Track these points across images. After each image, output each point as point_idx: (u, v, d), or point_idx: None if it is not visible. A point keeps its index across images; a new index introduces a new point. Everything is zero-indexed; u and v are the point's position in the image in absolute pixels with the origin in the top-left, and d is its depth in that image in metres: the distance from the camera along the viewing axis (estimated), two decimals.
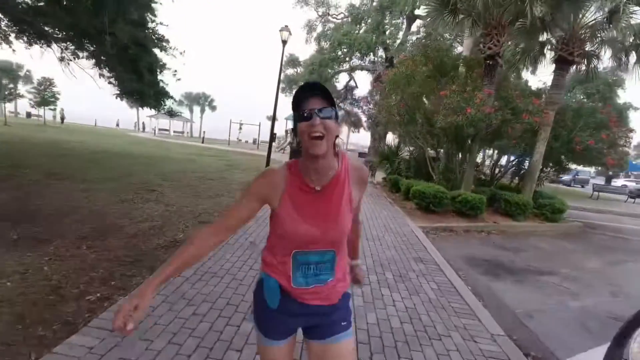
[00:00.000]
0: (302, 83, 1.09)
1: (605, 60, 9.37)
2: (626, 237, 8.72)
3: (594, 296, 4.41)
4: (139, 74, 8.43)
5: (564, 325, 3.52)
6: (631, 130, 8.50)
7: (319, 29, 22.26)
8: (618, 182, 30.48)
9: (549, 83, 8.92)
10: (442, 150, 9.90)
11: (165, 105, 10.25)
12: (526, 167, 9.62)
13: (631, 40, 8.27)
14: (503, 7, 7.05)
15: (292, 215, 1.10)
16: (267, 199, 1.13)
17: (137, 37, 7.57)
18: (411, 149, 12.17)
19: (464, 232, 7.06)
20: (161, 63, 9.32)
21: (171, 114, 11.46)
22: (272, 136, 14.50)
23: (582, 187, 27.74)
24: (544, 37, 8.66)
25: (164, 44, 8.79)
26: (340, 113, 28.02)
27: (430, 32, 15.70)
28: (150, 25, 8.44)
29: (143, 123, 42.84)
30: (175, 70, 9.77)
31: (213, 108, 53.19)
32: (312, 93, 1.04)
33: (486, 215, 7.94)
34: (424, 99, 9.50)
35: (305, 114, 1.02)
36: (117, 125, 43.91)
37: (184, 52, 9.19)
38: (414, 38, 18.33)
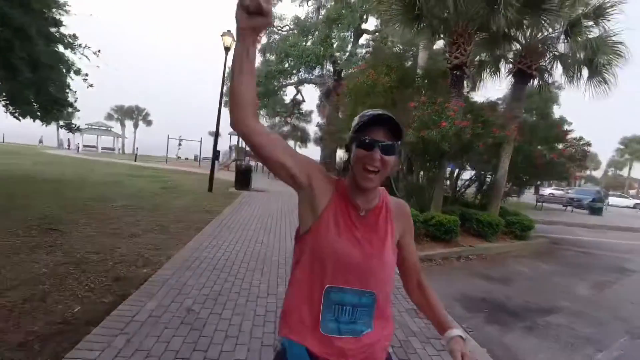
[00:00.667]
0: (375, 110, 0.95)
1: (556, 75, 9.47)
2: (590, 252, 8.66)
3: (614, 339, 3.77)
4: (11, 69, 6.04)
5: None
6: (589, 144, 8.52)
7: (264, 40, 21.29)
8: (545, 191, 32.99)
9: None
10: (404, 166, 9.21)
11: (62, 116, 7.84)
12: (490, 183, 9.28)
13: (583, 55, 8.31)
14: (470, 13, 6.54)
15: (332, 230, 0.95)
16: (309, 183, 0.97)
17: (9, 18, 5.49)
18: None
19: (442, 260, 6.27)
20: (70, 63, 7.11)
21: (70, 128, 9.09)
22: (216, 153, 13.05)
23: (518, 197, 29.33)
24: (503, 49, 8.44)
25: (69, 39, 6.68)
26: (287, 128, 26.99)
27: (379, 46, 15.45)
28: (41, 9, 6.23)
29: (68, 139, 37.63)
30: (87, 74, 7.55)
31: (148, 123, 49.04)
32: (381, 122, 0.93)
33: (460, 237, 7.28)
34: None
35: (367, 141, 0.92)
36: (40, 142, 37.89)
37: (99, 52, 7.27)
38: (363, 51, 18.11)
